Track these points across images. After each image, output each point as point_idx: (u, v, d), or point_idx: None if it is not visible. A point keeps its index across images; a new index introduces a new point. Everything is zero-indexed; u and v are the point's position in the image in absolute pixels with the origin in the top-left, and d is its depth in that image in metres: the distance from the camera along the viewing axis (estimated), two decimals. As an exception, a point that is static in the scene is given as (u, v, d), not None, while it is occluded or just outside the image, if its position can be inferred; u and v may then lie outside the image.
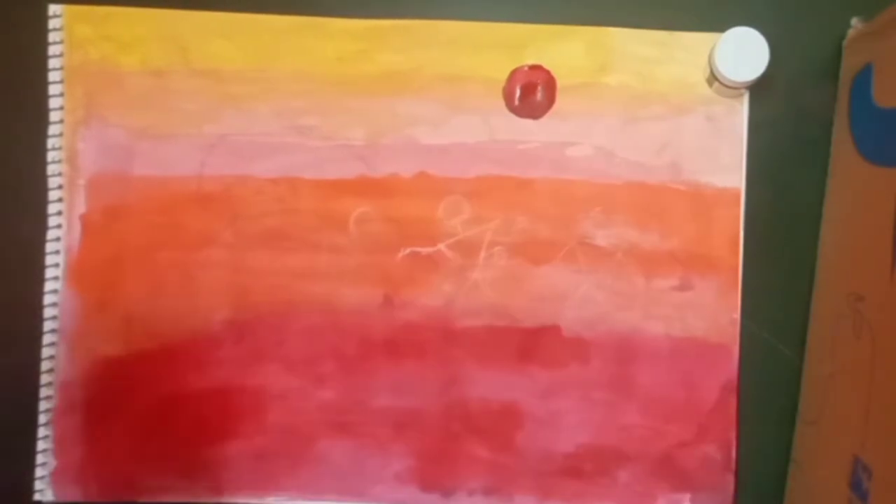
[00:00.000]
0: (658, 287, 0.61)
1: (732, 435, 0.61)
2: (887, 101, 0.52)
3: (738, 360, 0.61)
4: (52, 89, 0.62)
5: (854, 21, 0.59)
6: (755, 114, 0.61)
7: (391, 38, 0.61)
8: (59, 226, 0.62)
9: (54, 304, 0.62)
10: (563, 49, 0.61)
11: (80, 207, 0.61)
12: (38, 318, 0.62)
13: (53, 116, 0.62)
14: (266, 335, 0.61)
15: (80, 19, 0.61)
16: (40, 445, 0.62)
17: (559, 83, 0.61)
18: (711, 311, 0.61)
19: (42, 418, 0.62)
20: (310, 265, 0.61)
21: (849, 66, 0.58)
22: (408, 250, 0.61)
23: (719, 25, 0.58)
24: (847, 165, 0.57)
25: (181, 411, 0.62)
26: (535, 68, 0.61)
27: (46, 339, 0.62)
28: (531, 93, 0.61)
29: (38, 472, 0.62)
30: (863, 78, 0.55)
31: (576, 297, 0.61)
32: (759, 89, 0.60)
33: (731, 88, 0.59)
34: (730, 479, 0.61)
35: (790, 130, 0.61)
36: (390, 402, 0.62)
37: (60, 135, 0.62)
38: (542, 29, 0.61)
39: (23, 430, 0.62)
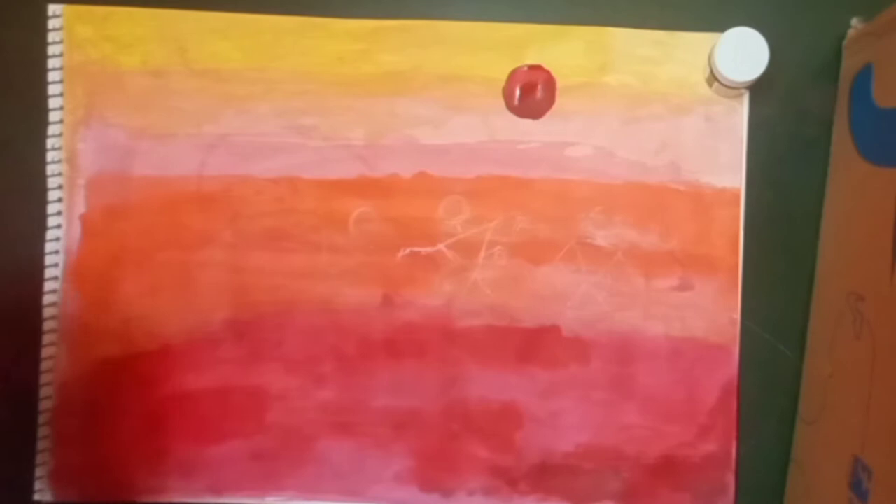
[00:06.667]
0: (658, 287, 0.61)
1: (732, 435, 0.61)
2: (887, 101, 0.52)
3: (738, 360, 0.61)
4: (52, 89, 0.62)
5: (854, 21, 0.59)
6: (755, 114, 0.61)
7: (391, 39, 0.61)
8: (58, 226, 0.62)
9: (54, 304, 0.62)
10: (563, 49, 0.61)
11: (80, 207, 0.61)
12: (38, 318, 0.62)
13: (53, 116, 0.62)
14: (266, 335, 0.62)
15: (80, 19, 0.61)
16: (40, 445, 0.62)
17: (559, 83, 0.61)
18: (711, 311, 0.61)
19: (42, 418, 0.62)
20: (310, 265, 0.61)
21: (849, 66, 0.58)
22: (408, 250, 0.61)
23: (719, 25, 0.58)
24: (847, 165, 0.57)
25: (181, 411, 0.62)
26: (535, 68, 0.61)
27: (46, 338, 0.62)
28: (531, 93, 0.61)
29: (38, 472, 0.62)
30: (863, 78, 0.55)
31: (576, 297, 0.61)
32: (759, 89, 0.60)
33: (730, 88, 0.59)
34: (730, 479, 0.61)
35: (790, 130, 0.61)
36: (390, 402, 0.62)
37: (60, 135, 0.62)
38: (542, 29, 0.61)
39: (23, 430, 0.62)
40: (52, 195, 0.62)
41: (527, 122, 0.61)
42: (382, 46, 0.61)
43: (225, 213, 0.61)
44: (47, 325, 0.62)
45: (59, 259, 0.62)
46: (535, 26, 0.61)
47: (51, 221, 0.62)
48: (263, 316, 0.62)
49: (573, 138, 0.61)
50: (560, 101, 0.61)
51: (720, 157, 0.61)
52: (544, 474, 0.62)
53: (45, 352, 0.62)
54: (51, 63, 0.62)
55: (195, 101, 0.61)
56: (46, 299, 0.62)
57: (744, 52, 0.56)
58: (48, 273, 0.62)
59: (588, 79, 0.61)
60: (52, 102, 0.62)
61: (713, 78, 0.59)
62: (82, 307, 0.61)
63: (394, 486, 0.62)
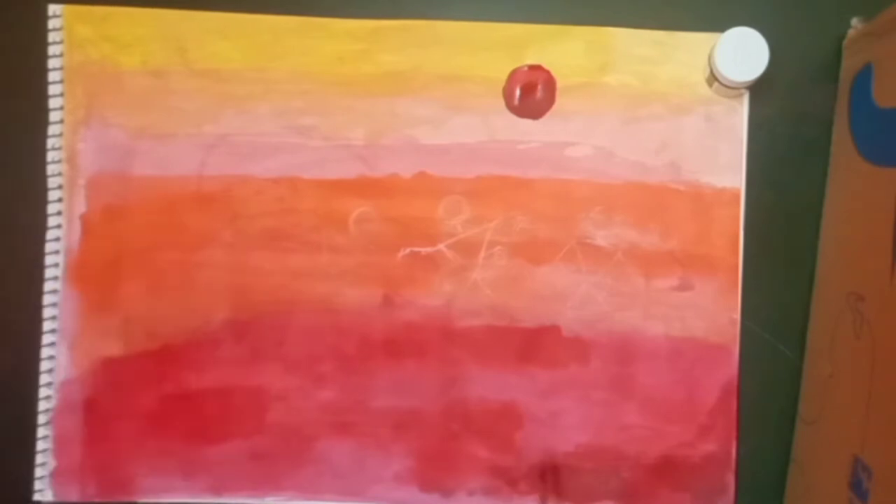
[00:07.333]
0: (658, 287, 0.61)
1: (732, 435, 0.61)
2: (887, 101, 0.52)
3: (738, 360, 0.61)
4: (52, 89, 0.62)
5: (854, 21, 0.59)
6: (755, 114, 0.61)
7: (391, 39, 0.61)
8: (59, 226, 0.62)
9: (54, 304, 0.62)
10: (563, 49, 0.61)
11: (81, 207, 0.61)
12: (38, 318, 0.62)
13: (53, 116, 0.62)
14: (266, 335, 0.62)
15: (79, 19, 0.61)
16: (40, 445, 0.62)
17: (559, 83, 0.61)
18: (711, 311, 0.61)
19: (42, 418, 0.62)
20: (310, 265, 0.61)
21: (849, 66, 0.58)
22: (408, 250, 0.61)
23: (719, 25, 0.58)
24: (847, 165, 0.57)
25: (181, 411, 0.62)
26: (535, 68, 0.61)
27: (46, 338, 0.62)
28: (531, 93, 0.61)
29: (38, 472, 0.62)
30: (863, 78, 0.55)
31: (576, 297, 0.61)
32: (759, 89, 0.60)
33: (730, 88, 0.59)
34: (730, 479, 0.61)
35: (790, 130, 0.61)
36: (390, 402, 0.62)
37: (60, 135, 0.62)
38: (541, 29, 0.61)
39: (23, 430, 0.62)
40: (52, 195, 0.62)
41: (527, 122, 0.61)
42: (382, 46, 0.61)
43: (225, 213, 0.61)
44: (47, 325, 0.62)
45: (59, 259, 0.62)
46: (535, 26, 0.61)
47: (51, 221, 0.62)
48: (263, 316, 0.62)
49: (573, 138, 0.61)
50: (560, 101, 0.61)
51: (720, 157, 0.61)
52: (544, 474, 0.62)
53: (45, 352, 0.62)
54: (51, 63, 0.62)
55: (195, 101, 0.61)
56: (46, 299, 0.62)
57: (744, 52, 0.56)
58: (48, 273, 0.62)
59: (588, 79, 0.61)
60: (52, 102, 0.62)
61: (713, 78, 0.59)
62: (82, 307, 0.62)
63: (394, 486, 0.62)
